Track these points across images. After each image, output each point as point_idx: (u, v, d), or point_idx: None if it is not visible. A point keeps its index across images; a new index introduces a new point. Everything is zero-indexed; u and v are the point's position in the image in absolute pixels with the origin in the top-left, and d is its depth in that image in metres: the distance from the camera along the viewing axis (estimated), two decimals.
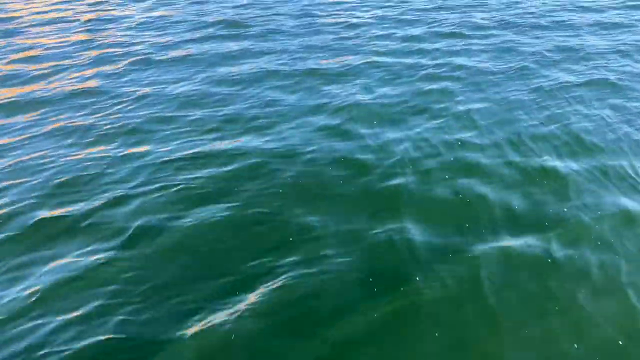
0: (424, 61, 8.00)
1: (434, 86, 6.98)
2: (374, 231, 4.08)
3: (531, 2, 11.56)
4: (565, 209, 4.31)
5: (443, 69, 7.62)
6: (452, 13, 10.76)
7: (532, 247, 3.94)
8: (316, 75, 7.44)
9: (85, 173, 4.70)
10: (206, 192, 4.48)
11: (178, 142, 5.47)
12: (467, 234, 4.09)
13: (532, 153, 5.04)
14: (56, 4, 12.03)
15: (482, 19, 10.36)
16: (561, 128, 5.50)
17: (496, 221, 4.25)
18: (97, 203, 4.21)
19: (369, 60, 7.95)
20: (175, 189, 4.46)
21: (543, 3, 11.45)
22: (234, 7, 11.36)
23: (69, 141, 5.39)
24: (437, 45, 8.74)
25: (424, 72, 7.55)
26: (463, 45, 8.72)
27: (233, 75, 7.55)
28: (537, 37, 9.10)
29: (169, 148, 5.29)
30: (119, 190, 4.43)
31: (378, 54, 8.31)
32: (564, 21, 10.12)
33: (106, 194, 4.35)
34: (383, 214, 4.29)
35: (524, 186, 4.62)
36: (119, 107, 6.31)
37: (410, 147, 5.23)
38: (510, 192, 4.55)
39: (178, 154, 5.17)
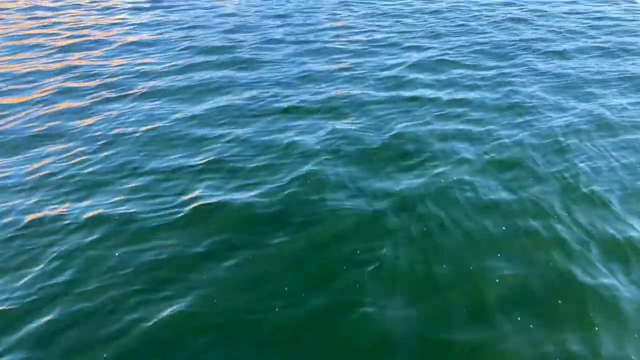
0: (425, 95, 7.18)
1: (438, 128, 6.13)
2: (361, 334, 3.19)
3: (538, 30, 10.81)
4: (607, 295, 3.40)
5: (446, 107, 6.80)
6: (455, 40, 9.98)
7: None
8: (310, 114, 6.61)
9: (15, 261, 3.77)
10: (166, 286, 3.57)
11: (140, 203, 4.58)
12: (485, 329, 3.18)
13: (565, 227, 4.14)
14: (34, 28, 11.25)
15: (486, 46, 9.59)
16: (599, 193, 4.59)
17: (524, 314, 3.35)
18: (16, 312, 3.27)
19: (366, 98, 7.11)
20: (127, 287, 3.53)
21: (551, 30, 10.70)
22: (222, 32, 10.59)
23: (6, 206, 4.49)
24: (440, 77, 7.94)
25: (425, 110, 6.73)
26: (469, 78, 7.90)
27: (216, 113, 6.72)
28: (551, 68, 8.31)
29: (127, 214, 4.39)
30: (51, 287, 3.50)
31: (377, 88, 7.50)
32: (577, 50, 9.34)
33: (31, 298, 3.39)
34: (371, 310, 3.40)
35: (557, 273, 3.71)
36: (78, 157, 5.42)
37: (407, 217, 4.32)
38: (539, 281, 3.64)
39: (137, 224, 4.27)
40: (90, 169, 5.14)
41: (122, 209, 4.53)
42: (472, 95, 7.21)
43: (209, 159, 5.43)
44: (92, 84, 7.71)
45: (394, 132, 6.02)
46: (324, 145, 5.69)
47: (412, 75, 8.01)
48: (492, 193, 4.67)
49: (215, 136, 6.04)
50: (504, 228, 4.15)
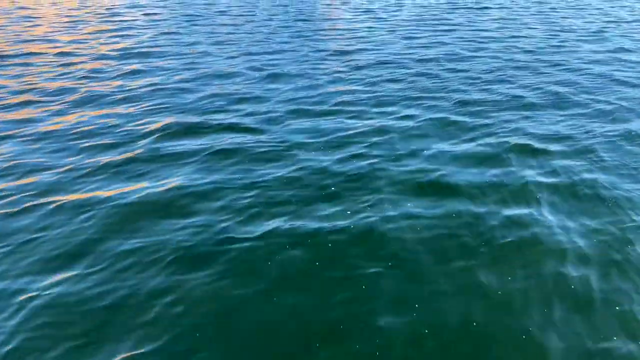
0: (447, 181, 5.37)
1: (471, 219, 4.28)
2: None
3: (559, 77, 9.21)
4: None
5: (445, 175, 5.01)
6: (467, 95, 8.33)
7: None
8: (305, 214, 4.74)
9: None
10: None
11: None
12: None
13: None
14: None
15: (513, 102, 7.92)
16: None
17: None
18: None
19: (373, 186, 5.28)
20: None
21: (573, 79, 9.11)
22: (203, 95, 8.87)
23: None
24: (462, 150, 6.16)
25: (451, 199, 4.91)
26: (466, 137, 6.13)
27: (168, 206, 4.84)
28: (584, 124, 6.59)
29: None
30: None
31: (387, 170, 5.67)
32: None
33: None
34: None
35: None
36: None
37: None
38: None
39: None
40: None
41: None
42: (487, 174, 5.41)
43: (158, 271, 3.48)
44: (12, 165, 5.76)
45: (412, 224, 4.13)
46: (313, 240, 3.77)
47: (431, 150, 6.24)
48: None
49: (172, 228, 4.13)
50: None
